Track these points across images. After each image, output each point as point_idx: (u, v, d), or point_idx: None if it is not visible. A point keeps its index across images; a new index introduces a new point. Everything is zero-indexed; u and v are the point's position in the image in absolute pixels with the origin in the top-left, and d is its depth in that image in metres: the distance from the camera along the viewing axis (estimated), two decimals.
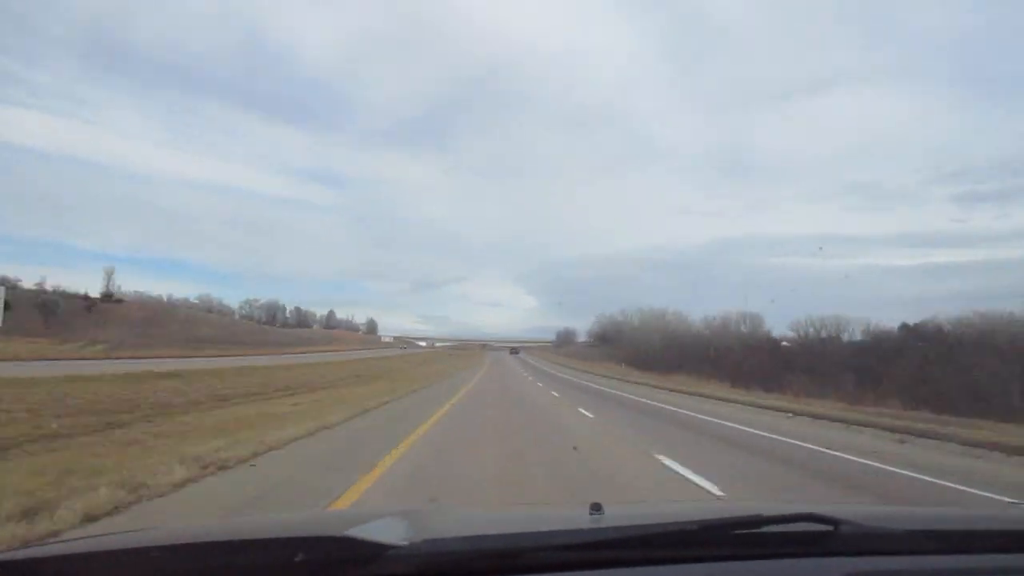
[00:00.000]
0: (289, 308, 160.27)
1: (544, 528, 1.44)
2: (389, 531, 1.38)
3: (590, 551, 1.30)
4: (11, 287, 70.83)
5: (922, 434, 14.97)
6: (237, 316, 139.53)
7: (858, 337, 59.41)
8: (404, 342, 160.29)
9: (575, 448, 10.65)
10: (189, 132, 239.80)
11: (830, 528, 1.39)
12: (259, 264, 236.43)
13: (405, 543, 1.25)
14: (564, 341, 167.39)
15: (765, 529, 1.38)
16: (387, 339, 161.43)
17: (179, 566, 1.23)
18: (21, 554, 1.33)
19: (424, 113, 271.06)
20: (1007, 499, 7.98)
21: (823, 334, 61.27)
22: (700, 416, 19.38)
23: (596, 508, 1.63)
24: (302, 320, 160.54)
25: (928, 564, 1.37)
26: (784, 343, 63.38)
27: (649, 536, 1.34)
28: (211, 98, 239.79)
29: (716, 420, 18.15)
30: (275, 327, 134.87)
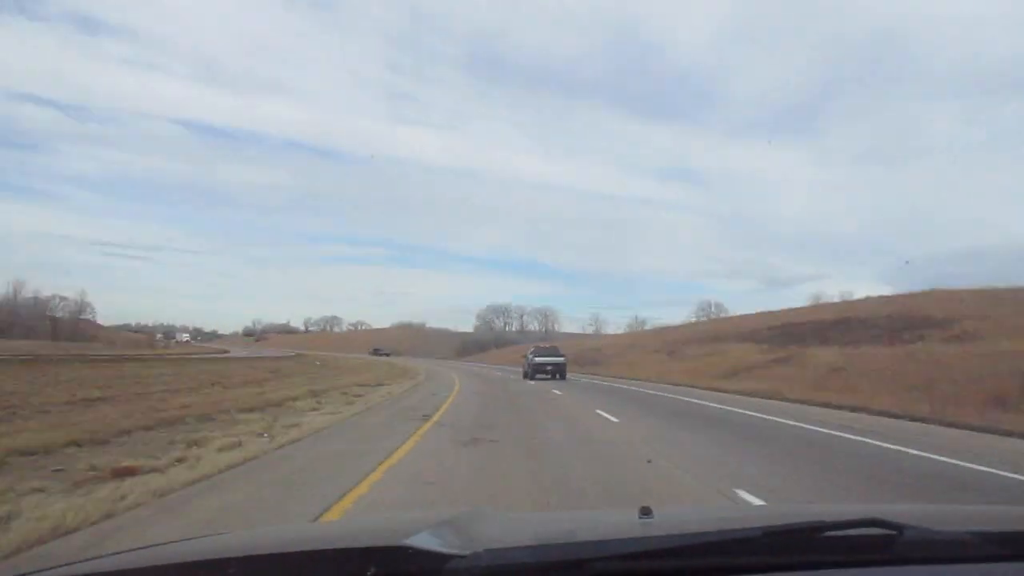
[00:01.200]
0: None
1: (599, 535, 1.42)
2: (444, 539, 1.36)
3: (654, 560, 1.28)
4: None
5: None
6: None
7: None
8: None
9: None
10: (553, 136, 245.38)
11: (894, 533, 1.36)
12: (609, 265, 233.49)
13: (466, 552, 1.23)
14: None
15: (829, 534, 1.36)
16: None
17: None
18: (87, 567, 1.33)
19: (794, 98, 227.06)
20: None
21: None
22: None
23: (646, 512, 1.61)
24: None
25: (994, 571, 1.34)
26: None
27: (712, 543, 1.32)
28: (577, 100, 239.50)
29: None
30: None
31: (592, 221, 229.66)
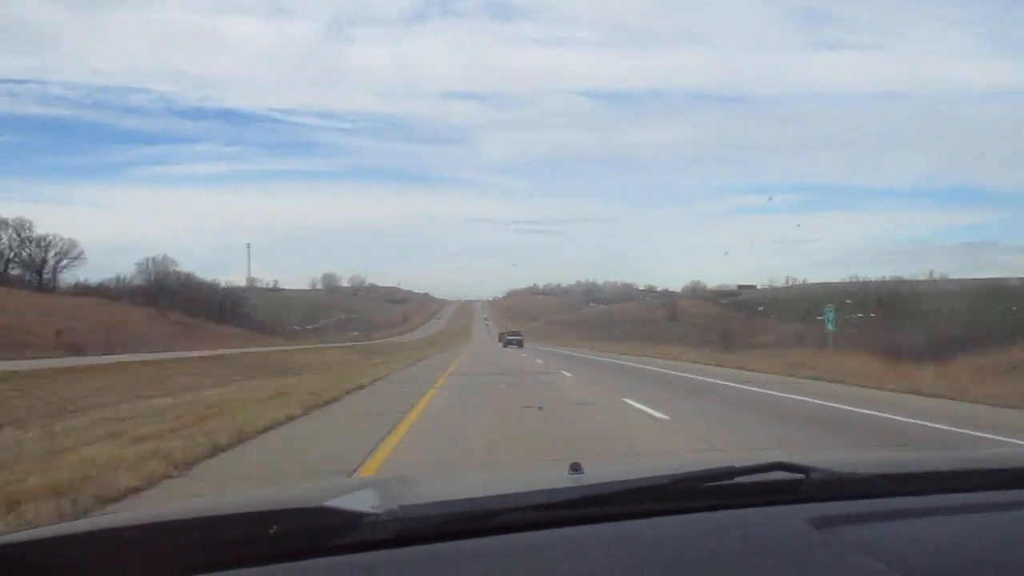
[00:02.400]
0: None
1: (521, 489, 1.45)
2: (366, 500, 1.38)
3: (563, 509, 1.31)
4: None
5: None
6: None
7: None
8: None
9: None
10: (1009, 34, 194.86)
11: (800, 476, 1.41)
12: None
13: (381, 511, 1.25)
14: None
15: (737, 480, 1.40)
16: None
17: (152, 546, 1.22)
18: None
19: None
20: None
21: None
22: None
23: (575, 468, 1.65)
24: None
25: (893, 505, 1.41)
26: None
27: (621, 492, 1.36)
28: None
29: None
30: None
31: None
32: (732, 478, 1.40)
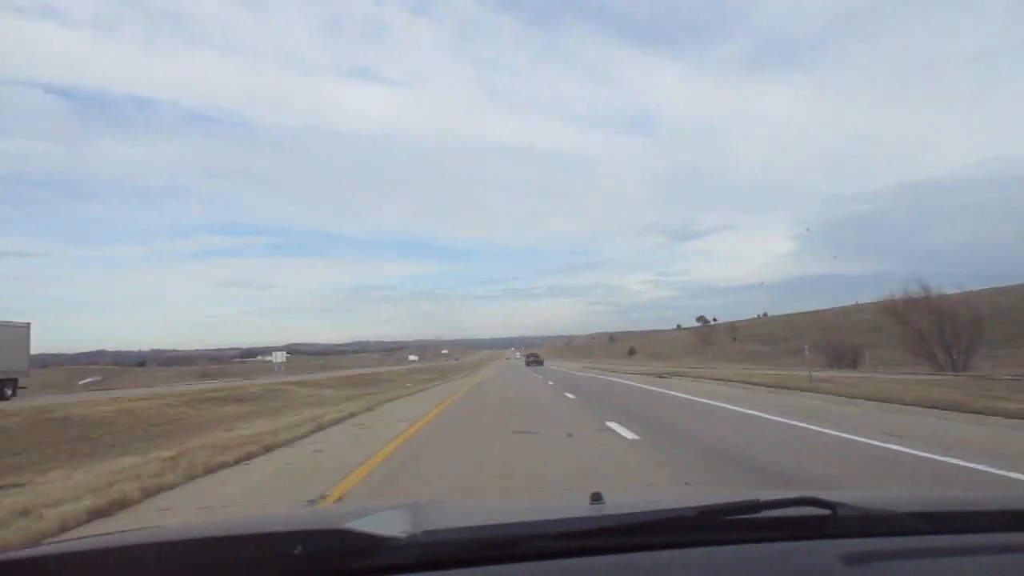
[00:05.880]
0: None
1: (543, 518, 1.45)
2: (388, 524, 1.38)
3: (587, 539, 1.31)
4: None
5: None
6: None
7: None
8: None
9: None
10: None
11: (828, 512, 1.39)
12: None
13: (403, 535, 1.26)
14: None
15: (763, 514, 1.38)
16: None
17: (176, 563, 1.23)
18: (16, 555, 1.33)
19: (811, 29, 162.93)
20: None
21: None
22: None
23: (596, 498, 1.65)
24: None
25: (923, 543, 1.38)
26: None
27: (646, 523, 1.35)
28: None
29: None
30: None
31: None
32: (758, 511, 1.38)
